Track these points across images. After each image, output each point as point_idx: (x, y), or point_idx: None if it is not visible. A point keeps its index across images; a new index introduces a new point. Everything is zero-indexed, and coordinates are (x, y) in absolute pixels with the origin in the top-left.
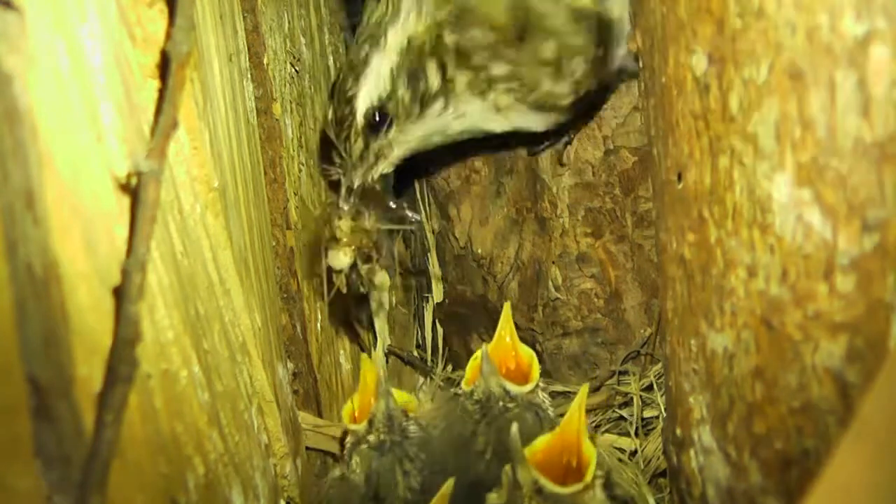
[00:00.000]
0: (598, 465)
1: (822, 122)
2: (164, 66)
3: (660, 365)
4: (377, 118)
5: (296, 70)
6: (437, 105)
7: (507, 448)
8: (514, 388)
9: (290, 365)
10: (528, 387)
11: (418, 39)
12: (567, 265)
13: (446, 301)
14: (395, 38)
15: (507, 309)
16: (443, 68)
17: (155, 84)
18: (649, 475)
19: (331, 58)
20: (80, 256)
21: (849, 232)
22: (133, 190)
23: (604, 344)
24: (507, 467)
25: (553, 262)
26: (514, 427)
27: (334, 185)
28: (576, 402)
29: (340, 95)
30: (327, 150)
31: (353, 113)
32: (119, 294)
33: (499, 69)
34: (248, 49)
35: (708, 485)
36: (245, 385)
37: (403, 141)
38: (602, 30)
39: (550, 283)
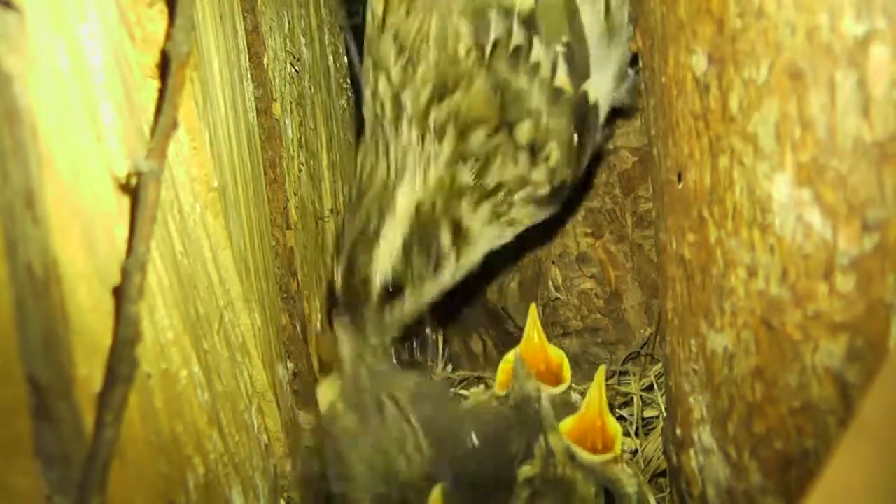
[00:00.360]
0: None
1: (822, 122)
2: (164, 66)
3: (660, 365)
4: (391, 289)
5: (296, 70)
6: (451, 260)
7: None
8: (547, 390)
9: (290, 365)
10: (562, 387)
11: (428, 201)
12: (567, 265)
13: (446, 301)
14: (405, 204)
15: (533, 310)
16: (457, 224)
17: (155, 84)
18: (649, 475)
19: (331, 58)
20: (80, 256)
21: (849, 232)
22: (133, 190)
23: (604, 344)
24: (540, 439)
25: (553, 262)
26: (545, 397)
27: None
28: (595, 383)
29: (353, 268)
30: (333, 300)
31: (369, 289)
32: (119, 294)
33: (509, 173)
34: (248, 49)
35: (708, 485)
36: (245, 385)
37: (417, 300)
38: (578, 115)
39: (550, 283)
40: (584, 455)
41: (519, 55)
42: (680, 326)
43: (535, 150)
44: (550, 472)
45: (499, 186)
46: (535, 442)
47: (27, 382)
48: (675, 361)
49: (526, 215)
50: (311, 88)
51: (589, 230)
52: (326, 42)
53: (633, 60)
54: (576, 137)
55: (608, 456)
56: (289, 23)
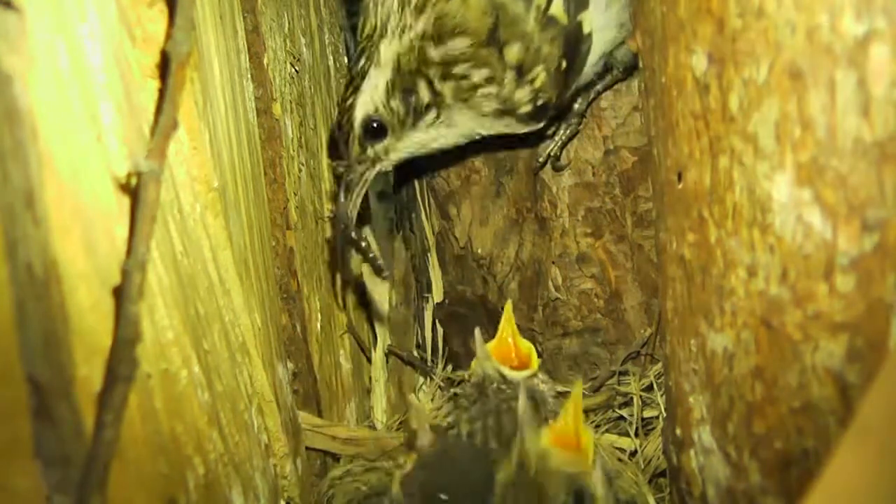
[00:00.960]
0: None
1: (822, 122)
2: (164, 66)
3: (660, 365)
4: (374, 126)
5: (296, 70)
6: (430, 116)
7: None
8: (511, 374)
9: (290, 365)
10: (526, 372)
11: (405, 57)
12: (567, 265)
13: (446, 301)
14: (387, 55)
15: (508, 308)
16: (430, 83)
17: (155, 84)
18: (649, 475)
19: (331, 58)
20: (80, 256)
21: (849, 232)
22: (133, 190)
23: (604, 344)
24: (517, 438)
25: (553, 262)
26: (523, 398)
27: (338, 179)
28: (571, 398)
29: (342, 104)
30: (334, 148)
31: (351, 121)
32: (119, 294)
33: (478, 75)
34: (248, 49)
35: (708, 485)
36: (245, 385)
37: (400, 147)
38: (570, 43)
39: (550, 283)
40: (559, 455)
41: None
42: (680, 326)
43: (521, 71)
44: (524, 473)
45: (464, 77)
46: (513, 440)
47: (27, 382)
48: (675, 361)
49: (504, 125)
50: (311, 88)
51: (589, 230)
52: (326, 42)
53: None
54: (564, 63)
55: (580, 468)
56: (289, 23)
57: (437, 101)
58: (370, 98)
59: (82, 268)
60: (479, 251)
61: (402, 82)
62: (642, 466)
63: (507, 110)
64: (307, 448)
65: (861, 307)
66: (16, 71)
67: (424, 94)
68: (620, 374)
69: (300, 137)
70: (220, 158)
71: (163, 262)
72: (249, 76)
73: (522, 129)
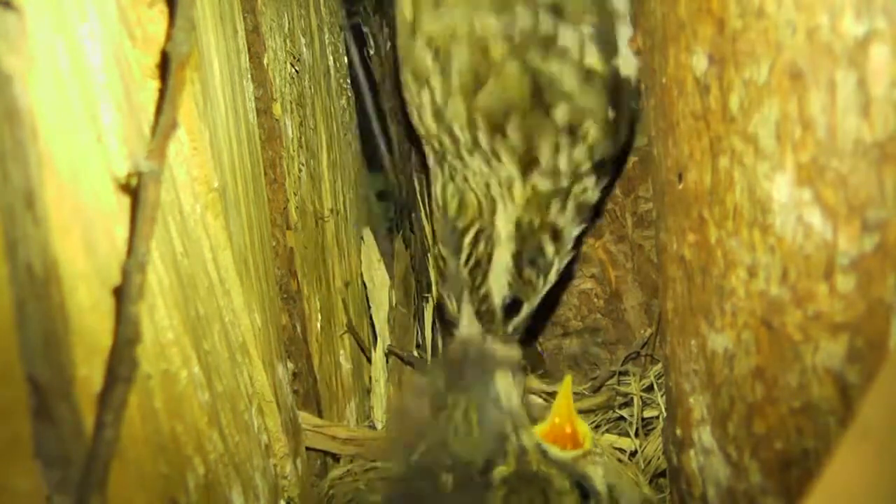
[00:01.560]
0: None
1: (823, 123)
2: (164, 66)
3: (660, 365)
4: (511, 303)
5: (296, 70)
6: (555, 264)
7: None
8: (559, 454)
9: (290, 365)
10: (576, 452)
11: (525, 217)
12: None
13: None
14: (505, 226)
15: (567, 382)
16: (553, 230)
17: (155, 84)
18: (649, 475)
19: (331, 58)
20: (80, 256)
21: (849, 232)
22: (133, 190)
23: (604, 344)
24: (512, 438)
25: None
26: (516, 395)
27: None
28: (561, 392)
29: (475, 294)
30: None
31: (491, 309)
32: (119, 294)
33: (561, 160)
34: (248, 49)
35: (708, 485)
36: (245, 385)
37: (531, 307)
38: (611, 91)
39: None
40: (555, 451)
41: (548, 43)
42: (680, 326)
43: (573, 130)
44: (525, 470)
45: (569, 175)
46: (507, 441)
47: (27, 382)
48: (675, 361)
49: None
50: (311, 88)
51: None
52: (326, 42)
53: None
54: (611, 113)
55: (578, 452)
56: (289, 23)
57: (559, 244)
58: (504, 280)
59: (82, 268)
60: None
61: (527, 247)
62: (642, 466)
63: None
64: (307, 448)
65: (861, 307)
66: (16, 71)
67: (550, 250)
68: (620, 374)
69: (300, 137)
70: (220, 158)
71: (163, 262)
72: (249, 76)
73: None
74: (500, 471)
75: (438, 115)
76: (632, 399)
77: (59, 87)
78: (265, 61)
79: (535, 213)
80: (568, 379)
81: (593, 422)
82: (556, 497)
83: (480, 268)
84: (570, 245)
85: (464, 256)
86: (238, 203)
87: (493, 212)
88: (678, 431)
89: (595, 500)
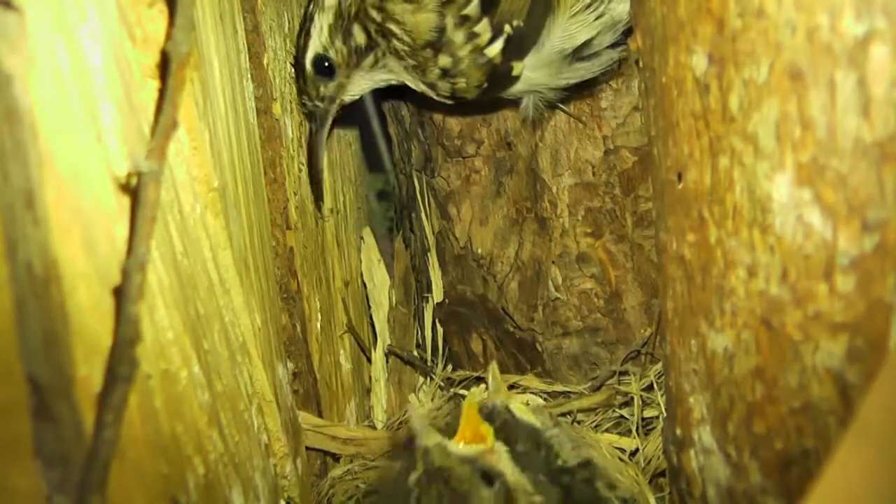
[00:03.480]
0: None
1: (822, 122)
2: (164, 66)
3: (660, 365)
4: (325, 65)
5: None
6: (369, 59)
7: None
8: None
9: (290, 365)
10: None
11: (346, 2)
12: (567, 265)
13: (446, 301)
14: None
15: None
16: (366, 31)
17: (155, 84)
18: (650, 475)
19: None
20: (80, 256)
21: (849, 232)
22: (133, 190)
23: (604, 344)
24: (417, 444)
25: (553, 262)
26: (412, 400)
27: (308, 116)
28: (464, 407)
29: (297, 46)
30: (299, 90)
31: (303, 62)
32: (119, 294)
33: (407, 50)
34: (248, 49)
35: (708, 485)
36: (245, 385)
37: (351, 83)
38: (495, 75)
39: (550, 283)
40: (454, 448)
41: (465, 21)
42: (680, 326)
43: (446, 74)
44: (429, 468)
45: (398, 39)
46: (416, 449)
47: (27, 382)
48: (675, 361)
49: (429, 93)
50: None
51: (589, 230)
52: None
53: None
54: (485, 84)
55: (479, 447)
56: (289, 23)
57: (374, 46)
58: (317, 39)
59: (82, 268)
60: (479, 251)
61: (342, 24)
62: (642, 466)
63: (428, 86)
64: (307, 448)
65: (861, 307)
66: (16, 71)
67: (360, 39)
68: (620, 373)
69: (300, 137)
70: (220, 158)
71: (163, 262)
72: (249, 76)
73: (438, 98)
74: (412, 478)
75: None
76: (632, 399)
77: (59, 87)
78: (265, 61)
79: (356, 6)
80: (469, 399)
81: (593, 421)
82: (458, 484)
83: (305, 25)
84: (382, 56)
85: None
86: (238, 203)
87: None
88: (678, 431)
89: (500, 482)
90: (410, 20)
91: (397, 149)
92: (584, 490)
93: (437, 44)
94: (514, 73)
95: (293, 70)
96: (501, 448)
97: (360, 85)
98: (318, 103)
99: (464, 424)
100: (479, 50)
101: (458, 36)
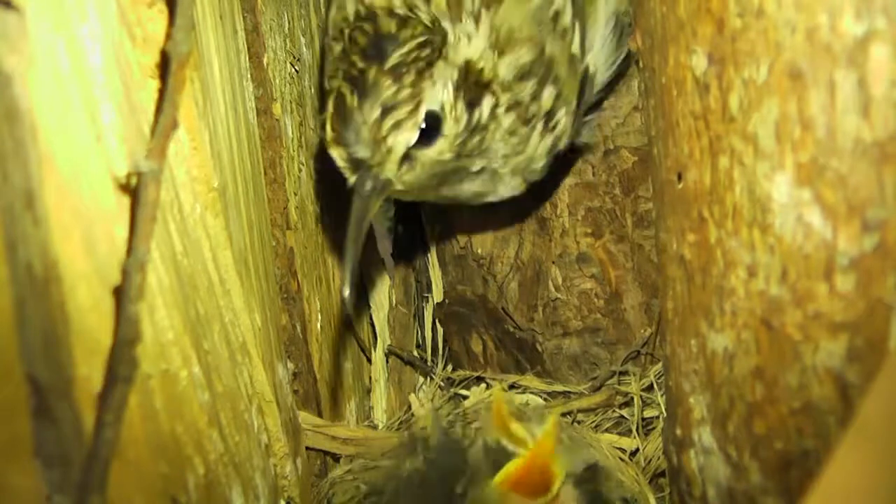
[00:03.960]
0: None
1: (822, 122)
2: (164, 66)
3: (660, 365)
4: (432, 128)
5: (296, 70)
6: (476, 140)
7: None
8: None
9: (290, 365)
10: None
11: (475, 65)
12: (567, 265)
13: (446, 301)
14: (455, 55)
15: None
16: (494, 105)
17: (155, 84)
18: (650, 475)
19: None
20: (80, 256)
21: (849, 232)
22: (133, 190)
23: (604, 344)
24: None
25: (553, 262)
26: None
27: (355, 171)
28: (546, 432)
29: (397, 83)
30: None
31: (417, 105)
32: (119, 294)
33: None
34: (248, 49)
35: (708, 485)
36: (245, 385)
37: (434, 164)
38: (582, 85)
39: (550, 283)
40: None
41: (556, 19)
42: (680, 326)
43: (549, 116)
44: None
45: (519, 105)
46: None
47: (27, 382)
48: (675, 361)
49: (530, 172)
50: (311, 88)
51: (589, 230)
52: None
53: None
54: (579, 108)
55: (545, 498)
56: (289, 23)
57: (490, 125)
58: (440, 92)
59: (82, 268)
60: (479, 251)
61: (468, 90)
62: (642, 466)
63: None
64: (307, 448)
65: (861, 307)
66: (16, 71)
67: (486, 112)
68: (620, 374)
69: (300, 137)
70: (220, 158)
71: (163, 262)
72: (249, 76)
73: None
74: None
75: None
76: (632, 399)
77: (59, 87)
78: (265, 61)
79: (487, 69)
80: (552, 419)
81: (593, 421)
82: None
83: (416, 64)
84: (495, 140)
85: (403, 50)
86: (238, 203)
87: (445, 38)
88: (678, 431)
89: None
90: (514, 21)
91: None
92: (595, 493)
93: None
94: (590, 71)
95: (370, 106)
96: (569, 492)
97: (434, 170)
98: (386, 166)
99: (538, 457)
100: (568, 51)
101: (555, 44)
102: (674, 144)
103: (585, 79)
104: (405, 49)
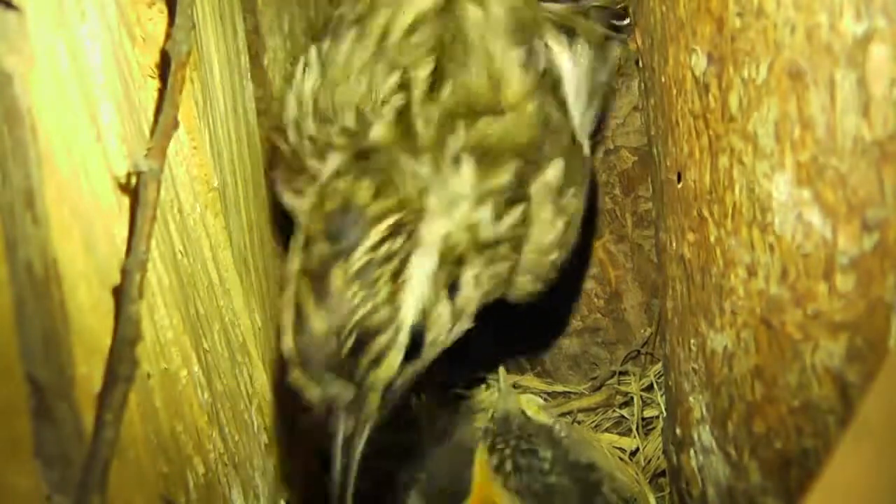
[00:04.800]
0: None
1: (822, 122)
2: (164, 66)
3: (660, 365)
4: (416, 342)
5: None
6: (464, 322)
7: None
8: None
9: None
10: None
11: (454, 238)
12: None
13: None
14: (431, 234)
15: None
16: (476, 274)
17: (155, 84)
18: (649, 475)
19: None
20: (80, 256)
21: (849, 231)
22: (133, 189)
23: (604, 344)
24: None
25: None
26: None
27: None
28: (479, 459)
29: (370, 299)
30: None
31: (397, 330)
32: (119, 294)
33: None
34: (248, 49)
35: (708, 484)
36: (245, 385)
37: (412, 373)
38: (585, 166)
39: None
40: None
41: (557, 87)
42: (680, 326)
43: (560, 193)
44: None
45: (510, 240)
46: None
47: (27, 382)
48: (674, 361)
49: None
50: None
51: None
52: None
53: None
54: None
55: None
56: (289, 23)
57: (475, 295)
58: (420, 296)
59: (82, 267)
60: None
61: (449, 273)
62: (642, 466)
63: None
64: None
65: (861, 307)
66: (16, 71)
67: (469, 292)
68: (620, 373)
69: None
70: (220, 158)
71: (163, 261)
72: (249, 76)
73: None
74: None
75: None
76: (632, 398)
77: (59, 87)
78: (265, 61)
79: (469, 238)
80: (482, 450)
81: (593, 421)
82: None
83: (387, 265)
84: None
85: (369, 243)
86: (238, 203)
87: (420, 214)
88: (678, 431)
89: None
90: (502, 131)
91: None
92: (593, 489)
93: (543, 147)
94: (585, 152)
95: (335, 338)
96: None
97: (418, 371)
98: (366, 391)
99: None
100: (569, 126)
101: (557, 115)
102: (673, 144)
103: (585, 157)
104: (373, 240)
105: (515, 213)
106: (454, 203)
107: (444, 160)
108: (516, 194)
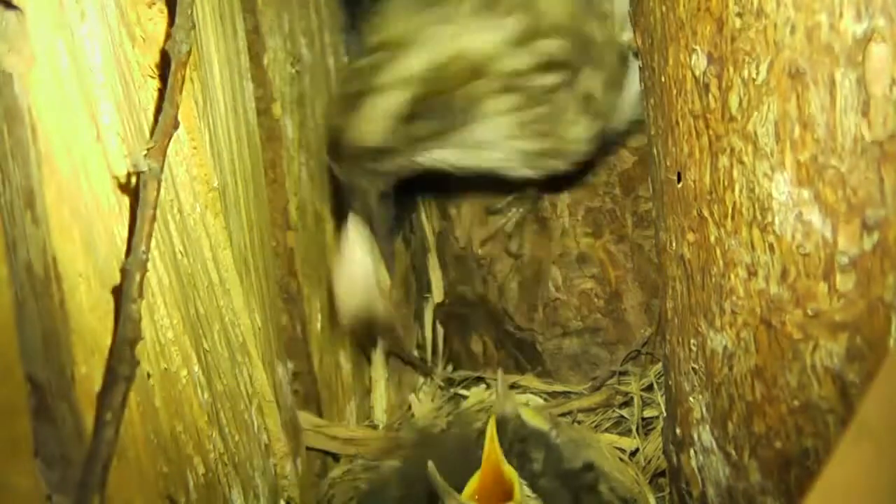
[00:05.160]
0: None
1: (822, 122)
2: (164, 66)
3: (660, 365)
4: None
5: (296, 70)
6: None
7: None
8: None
9: (290, 365)
10: None
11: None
12: (567, 265)
13: (446, 301)
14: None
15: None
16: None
17: (155, 84)
18: (649, 475)
19: (331, 59)
20: (80, 256)
21: (849, 231)
22: (133, 189)
23: (604, 344)
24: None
25: (553, 263)
26: (431, 464)
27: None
28: (488, 437)
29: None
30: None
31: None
32: (119, 294)
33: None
34: (248, 49)
35: (708, 484)
36: (245, 385)
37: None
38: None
39: (550, 283)
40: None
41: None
42: (680, 326)
43: (588, 100)
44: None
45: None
46: None
47: (27, 382)
48: (674, 361)
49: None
50: (311, 88)
51: (589, 230)
52: (326, 42)
53: None
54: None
55: None
56: (289, 23)
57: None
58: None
59: (82, 267)
60: (479, 251)
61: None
62: (642, 466)
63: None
64: (307, 448)
65: (861, 307)
66: (16, 71)
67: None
68: (620, 373)
69: (300, 137)
70: (220, 158)
71: (163, 261)
72: (249, 76)
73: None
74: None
75: None
76: (632, 399)
77: (59, 87)
78: (265, 61)
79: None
80: (491, 422)
81: (593, 421)
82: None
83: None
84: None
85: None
86: (238, 203)
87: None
88: (678, 431)
89: None
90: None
91: None
92: (590, 493)
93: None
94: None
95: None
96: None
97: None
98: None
99: (489, 464)
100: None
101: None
102: (673, 144)
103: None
104: None
105: None
106: None
107: None
108: None
